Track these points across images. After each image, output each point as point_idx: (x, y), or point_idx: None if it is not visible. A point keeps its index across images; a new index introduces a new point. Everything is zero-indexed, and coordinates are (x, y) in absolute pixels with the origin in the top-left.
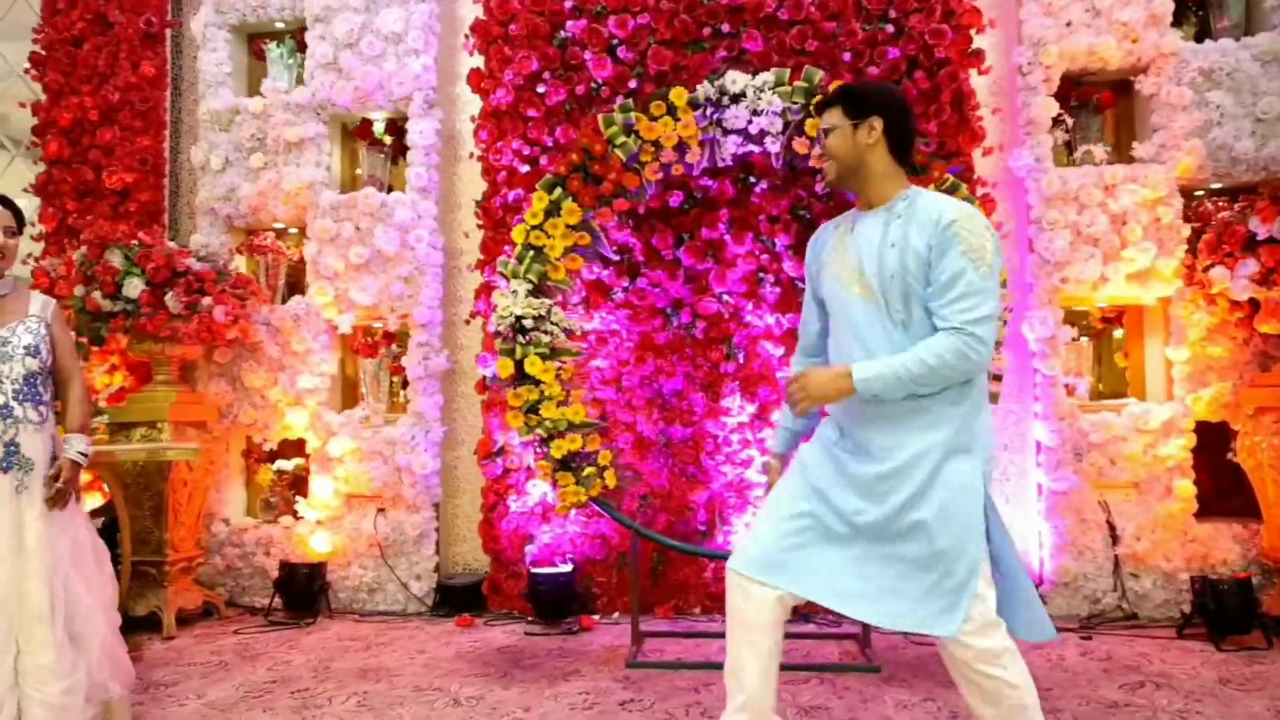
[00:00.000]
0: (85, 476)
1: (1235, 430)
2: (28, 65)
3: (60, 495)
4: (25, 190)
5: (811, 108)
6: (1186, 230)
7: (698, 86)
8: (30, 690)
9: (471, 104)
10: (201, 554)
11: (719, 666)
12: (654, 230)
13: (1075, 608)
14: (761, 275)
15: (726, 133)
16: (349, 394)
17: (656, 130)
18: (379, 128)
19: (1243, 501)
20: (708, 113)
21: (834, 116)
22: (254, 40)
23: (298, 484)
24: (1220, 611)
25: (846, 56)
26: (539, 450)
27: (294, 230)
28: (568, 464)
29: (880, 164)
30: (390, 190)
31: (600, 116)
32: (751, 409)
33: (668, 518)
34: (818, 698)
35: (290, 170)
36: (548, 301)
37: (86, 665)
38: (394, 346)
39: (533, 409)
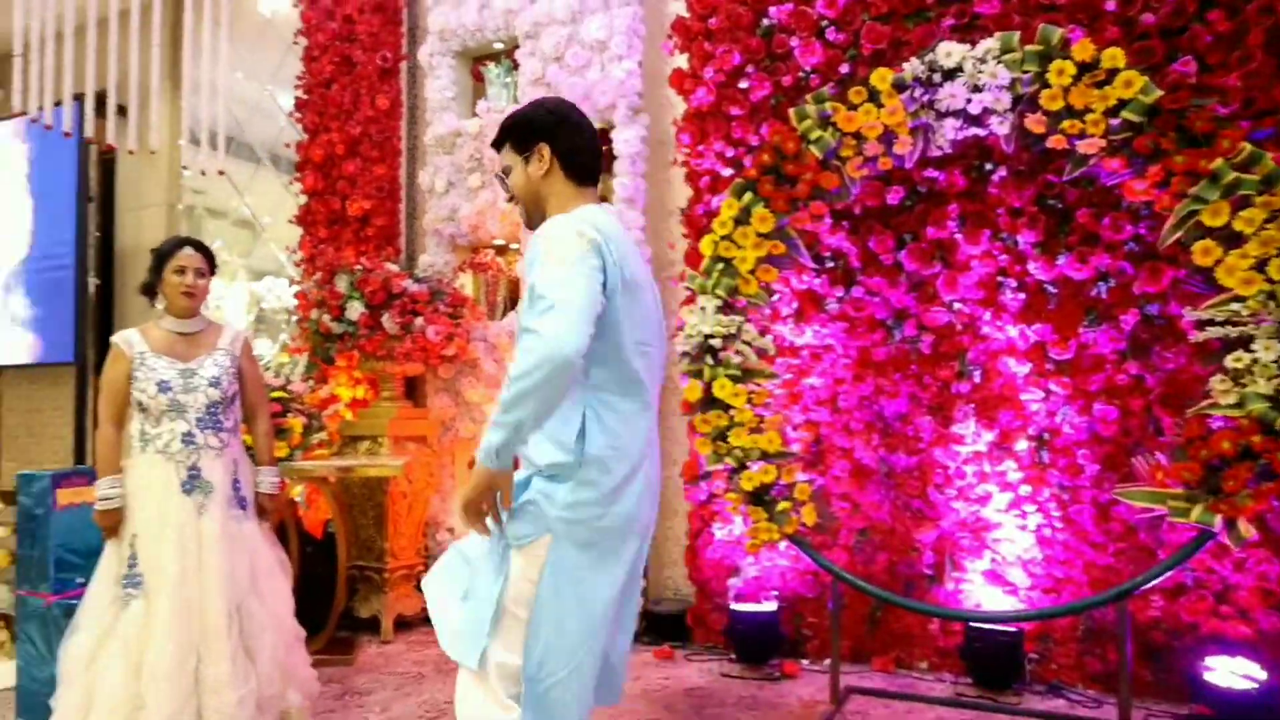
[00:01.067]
0: (296, 490)
1: None
2: (293, 109)
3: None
4: (290, 221)
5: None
6: None
7: (904, 65)
8: (207, 699)
9: (679, 107)
10: (423, 562)
11: None
12: (871, 232)
13: None
14: (1001, 279)
15: (941, 116)
16: None
17: (857, 120)
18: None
19: None
20: (916, 95)
21: (507, 155)
22: (475, 63)
23: None
24: None
25: (1109, 4)
26: (729, 482)
27: (514, 246)
28: (760, 497)
29: (557, 193)
30: (601, 201)
31: (792, 110)
32: (989, 436)
33: (889, 557)
34: None
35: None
36: (739, 319)
37: (258, 677)
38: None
39: (721, 436)
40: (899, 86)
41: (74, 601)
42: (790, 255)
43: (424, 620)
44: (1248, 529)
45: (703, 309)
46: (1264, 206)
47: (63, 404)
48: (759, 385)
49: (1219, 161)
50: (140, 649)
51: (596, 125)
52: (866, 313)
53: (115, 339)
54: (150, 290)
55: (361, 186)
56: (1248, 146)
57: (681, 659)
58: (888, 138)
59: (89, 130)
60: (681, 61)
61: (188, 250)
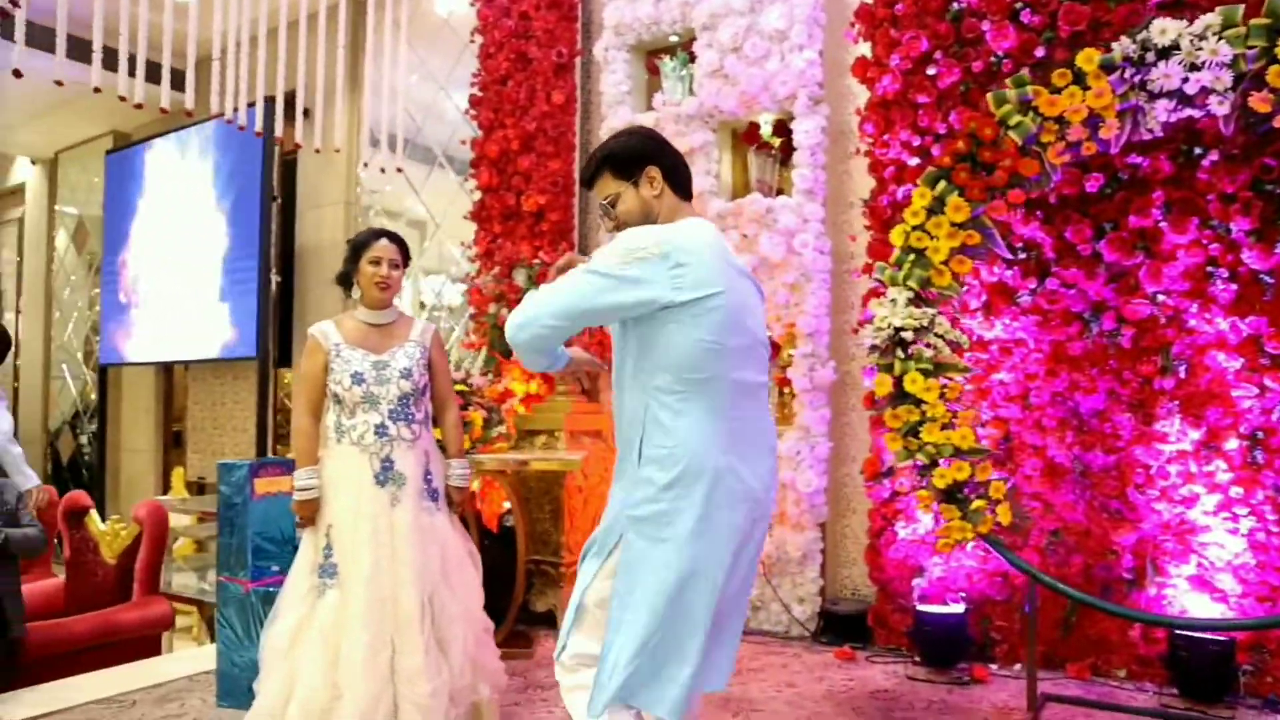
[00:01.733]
0: (475, 484)
1: None
2: (468, 107)
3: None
4: (464, 218)
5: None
6: None
7: (1113, 45)
8: (403, 689)
9: (861, 96)
10: None
11: None
12: (1068, 221)
13: None
14: (1211, 269)
15: (1154, 97)
16: None
17: (1060, 104)
18: (766, 130)
19: None
20: (1126, 75)
21: (609, 185)
22: (650, 56)
23: None
24: None
25: None
26: (919, 479)
27: None
28: (953, 495)
29: (669, 207)
30: (779, 193)
31: (990, 94)
32: (1196, 435)
33: (1084, 560)
34: None
35: None
36: (931, 311)
37: (450, 669)
38: (779, 356)
39: (912, 431)
40: (1107, 67)
41: (271, 589)
42: (985, 245)
43: None
44: None
45: (893, 301)
46: None
47: (244, 397)
48: (951, 379)
49: None
50: (336, 638)
51: (775, 116)
52: (1061, 305)
53: (313, 330)
54: (346, 281)
55: (536, 182)
56: None
57: (863, 660)
58: (1093, 121)
59: (278, 130)
60: (864, 49)
61: (383, 241)
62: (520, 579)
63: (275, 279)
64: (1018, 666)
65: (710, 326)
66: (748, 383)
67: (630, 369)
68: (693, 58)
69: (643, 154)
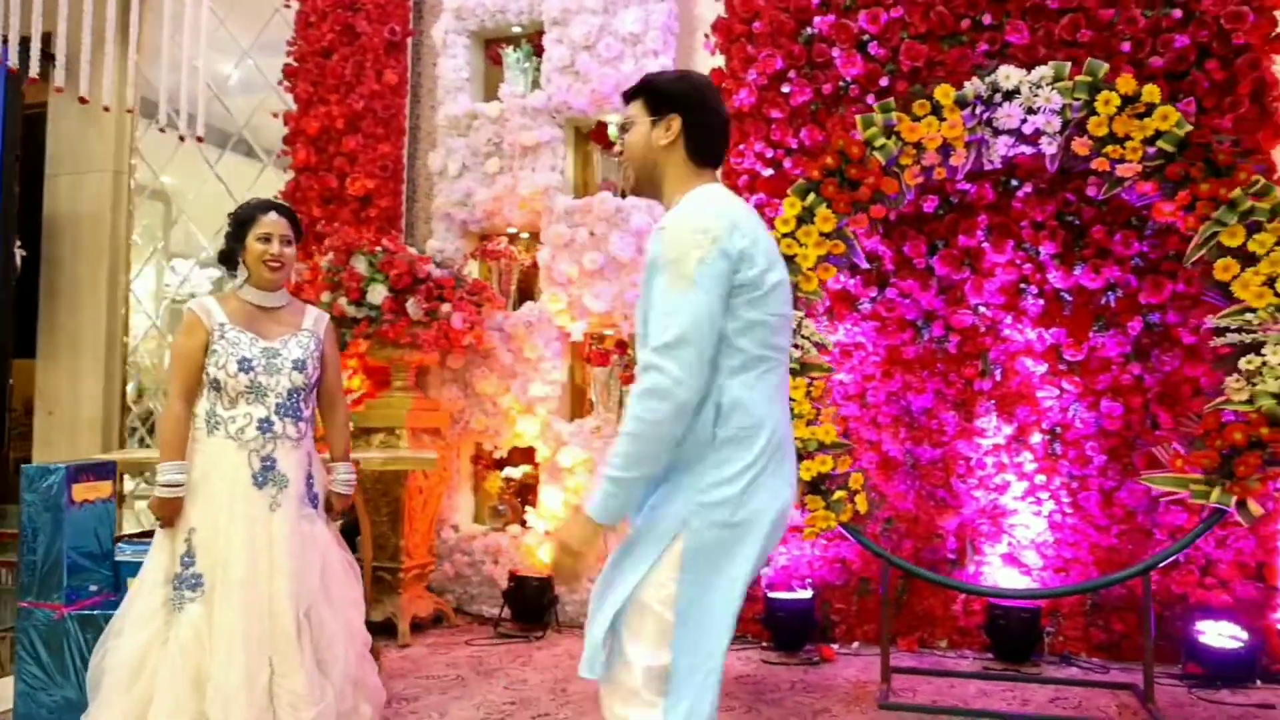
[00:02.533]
0: None
1: None
2: (281, 77)
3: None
4: (274, 198)
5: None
6: None
7: (966, 84)
8: (284, 714)
9: None
10: (433, 561)
11: (981, 715)
12: (905, 238)
13: None
14: (1023, 286)
15: (997, 133)
16: (576, 403)
17: (919, 131)
18: (614, 131)
19: None
20: (976, 111)
21: (634, 110)
22: (490, 45)
23: (524, 491)
24: None
25: (1125, 46)
26: None
27: (524, 235)
28: (817, 486)
29: (675, 167)
30: (625, 195)
31: (859, 117)
32: (1008, 430)
33: (914, 544)
34: None
35: (526, 175)
36: (799, 314)
37: (333, 691)
38: (626, 355)
39: None
40: (960, 103)
41: (93, 612)
42: (847, 255)
43: (435, 621)
44: (1256, 508)
45: None
46: (1274, 231)
47: None
48: (815, 379)
49: (1237, 191)
50: (200, 658)
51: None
52: (897, 313)
53: (192, 306)
54: (230, 259)
55: (364, 165)
56: (1261, 179)
57: None
58: (945, 149)
59: (33, 70)
60: (717, 61)
61: (273, 215)
62: (368, 586)
63: (19, 252)
64: (855, 645)
65: (774, 301)
66: (787, 356)
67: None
68: (538, 51)
69: (678, 100)
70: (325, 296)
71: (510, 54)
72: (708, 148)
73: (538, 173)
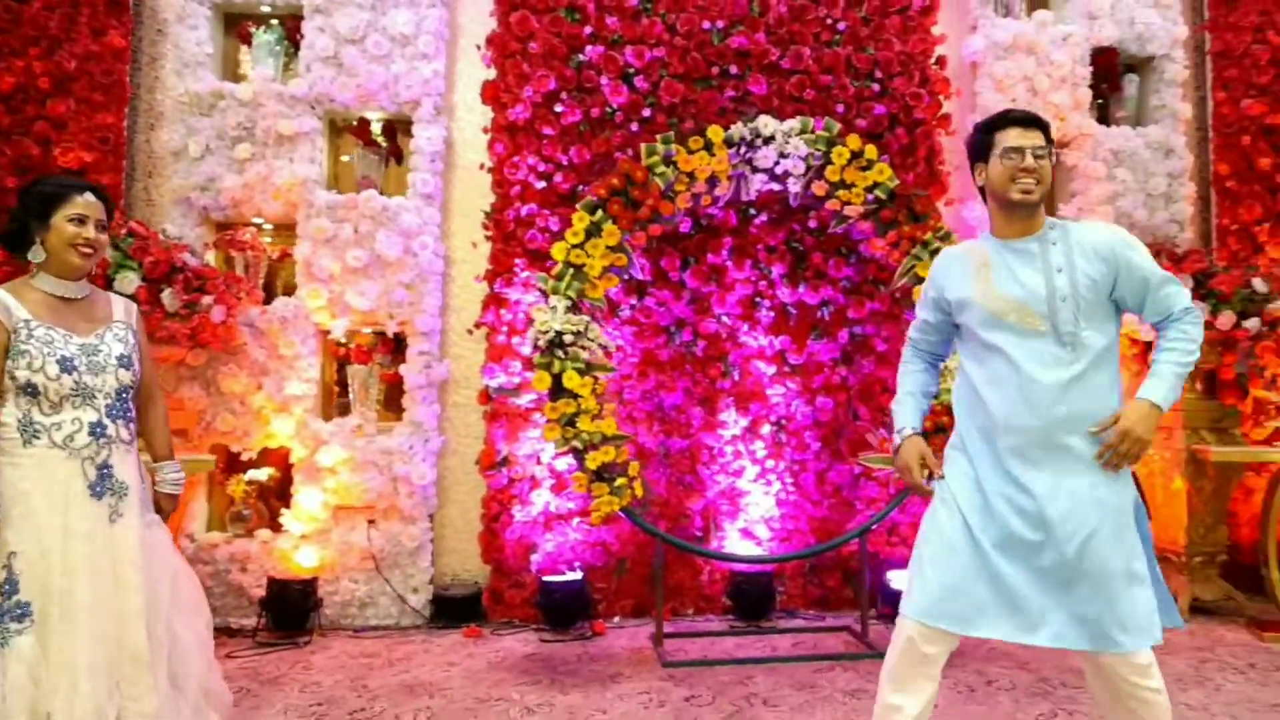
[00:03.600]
0: None
1: None
2: None
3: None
4: None
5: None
6: None
7: (732, 126)
8: None
9: (470, 113)
10: None
11: (745, 662)
12: (662, 253)
13: None
14: (758, 299)
15: (755, 170)
16: (327, 402)
17: (693, 163)
18: (377, 128)
19: None
20: (741, 151)
21: (1039, 139)
22: (236, 22)
23: (264, 494)
24: None
25: (839, 108)
26: (575, 462)
27: (268, 226)
28: (602, 475)
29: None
30: (380, 193)
31: (644, 146)
32: (744, 422)
33: (666, 524)
34: (852, 682)
35: (282, 165)
36: (585, 318)
37: (187, 706)
38: (385, 355)
39: (570, 422)
40: (728, 142)
41: None
42: (627, 267)
43: None
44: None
45: (554, 308)
46: None
47: None
48: (598, 378)
49: (929, 233)
50: (35, 698)
51: (389, 117)
52: (653, 320)
53: None
54: (20, 241)
55: (77, 134)
56: (945, 226)
57: (490, 635)
58: (712, 180)
59: None
60: (482, 71)
61: (88, 196)
62: None
63: None
64: (617, 619)
65: None
66: None
67: (1104, 347)
68: (290, 35)
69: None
70: None
71: (261, 34)
72: None
73: (295, 163)
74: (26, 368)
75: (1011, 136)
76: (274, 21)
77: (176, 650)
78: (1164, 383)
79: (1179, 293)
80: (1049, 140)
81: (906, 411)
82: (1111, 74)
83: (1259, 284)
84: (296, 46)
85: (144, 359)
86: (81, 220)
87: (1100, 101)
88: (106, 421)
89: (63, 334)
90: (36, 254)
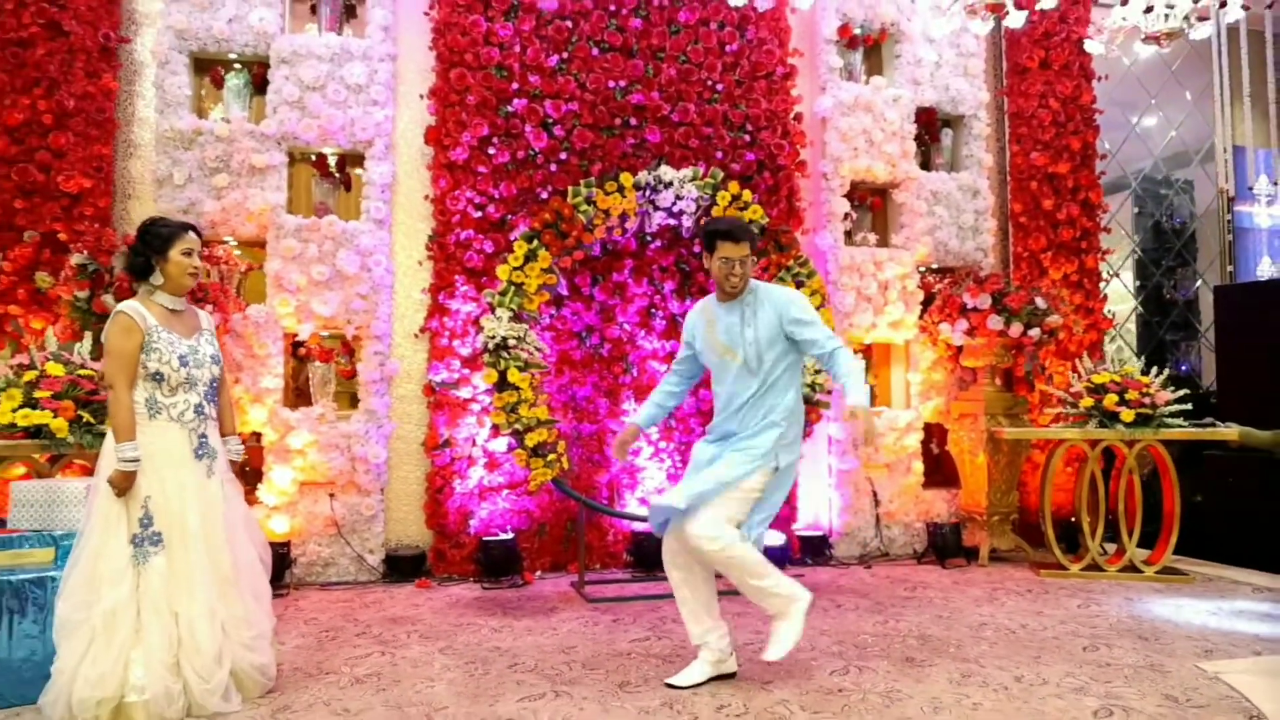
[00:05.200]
0: None
1: (946, 429)
2: None
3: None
4: None
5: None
6: (921, 295)
7: (640, 173)
8: (231, 632)
9: (410, 149)
10: None
11: (652, 598)
12: (576, 272)
13: (853, 550)
14: (653, 310)
15: (656, 209)
16: (289, 394)
17: (609, 202)
18: (333, 161)
19: (950, 475)
20: (646, 193)
21: (746, 249)
22: (208, 67)
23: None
24: (942, 544)
25: (719, 155)
26: (515, 441)
27: (233, 243)
28: (538, 451)
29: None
30: (336, 217)
31: (570, 188)
32: None
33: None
34: (733, 607)
35: (255, 192)
36: (524, 326)
37: (264, 614)
38: (343, 355)
39: (512, 409)
40: (637, 186)
41: None
42: (556, 286)
43: None
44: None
45: (499, 318)
46: (809, 287)
47: None
48: (534, 375)
49: (792, 261)
50: (170, 598)
51: (343, 152)
52: (568, 326)
53: (127, 309)
54: (145, 270)
55: (75, 164)
56: (805, 256)
57: (438, 586)
58: (624, 216)
59: None
60: (431, 120)
61: (193, 235)
62: None
63: None
64: (539, 573)
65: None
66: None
67: (784, 369)
68: (255, 80)
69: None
70: (82, 294)
71: (232, 79)
72: None
73: (266, 191)
74: (157, 361)
75: (726, 249)
76: (238, 67)
77: (253, 572)
78: (860, 388)
79: (828, 338)
80: (753, 248)
81: (643, 409)
82: (931, 129)
83: (1040, 301)
84: (260, 89)
85: (220, 357)
86: (190, 252)
87: (923, 150)
88: (205, 403)
89: (177, 337)
90: (156, 278)
